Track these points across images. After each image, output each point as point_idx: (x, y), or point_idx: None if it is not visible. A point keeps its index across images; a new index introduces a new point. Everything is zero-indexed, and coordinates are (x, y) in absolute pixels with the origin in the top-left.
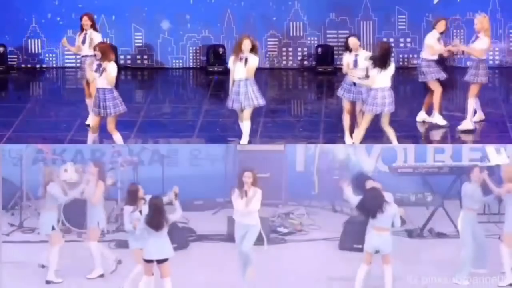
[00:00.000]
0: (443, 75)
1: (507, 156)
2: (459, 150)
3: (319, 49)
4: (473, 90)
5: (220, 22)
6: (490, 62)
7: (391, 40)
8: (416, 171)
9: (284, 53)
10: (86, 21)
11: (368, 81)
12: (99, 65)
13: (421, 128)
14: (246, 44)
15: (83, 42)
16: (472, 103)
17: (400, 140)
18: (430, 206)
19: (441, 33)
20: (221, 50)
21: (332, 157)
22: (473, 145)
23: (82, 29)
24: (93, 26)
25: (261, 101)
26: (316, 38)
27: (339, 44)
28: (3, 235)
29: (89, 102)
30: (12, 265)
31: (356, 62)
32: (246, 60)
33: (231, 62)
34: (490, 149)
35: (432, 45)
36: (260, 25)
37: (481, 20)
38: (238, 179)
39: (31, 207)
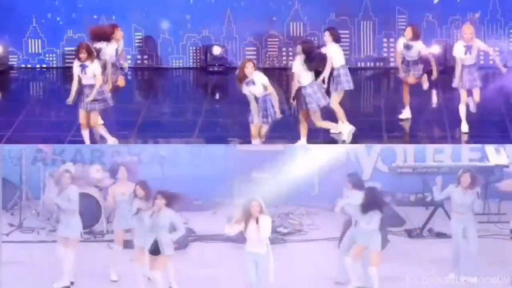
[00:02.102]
0: None
1: (507, 156)
2: (458, 150)
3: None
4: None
5: (220, 22)
6: (490, 62)
7: (391, 40)
8: (416, 171)
9: (284, 53)
10: (82, 54)
11: None
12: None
13: (421, 128)
14: (249, 67)
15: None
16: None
17: (400, 140)
18: (430, 206)
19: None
20: (220, 50)
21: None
22: (472, 145)
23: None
24: (91, 57)
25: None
26: (316, 38)
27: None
28: (3, 235)
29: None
30: (12, 265)
31: None
32: (253, 82)
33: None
34: (490, 149)
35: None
36: (260, 25)
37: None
38: (244, 211)
39: (31, 207)
